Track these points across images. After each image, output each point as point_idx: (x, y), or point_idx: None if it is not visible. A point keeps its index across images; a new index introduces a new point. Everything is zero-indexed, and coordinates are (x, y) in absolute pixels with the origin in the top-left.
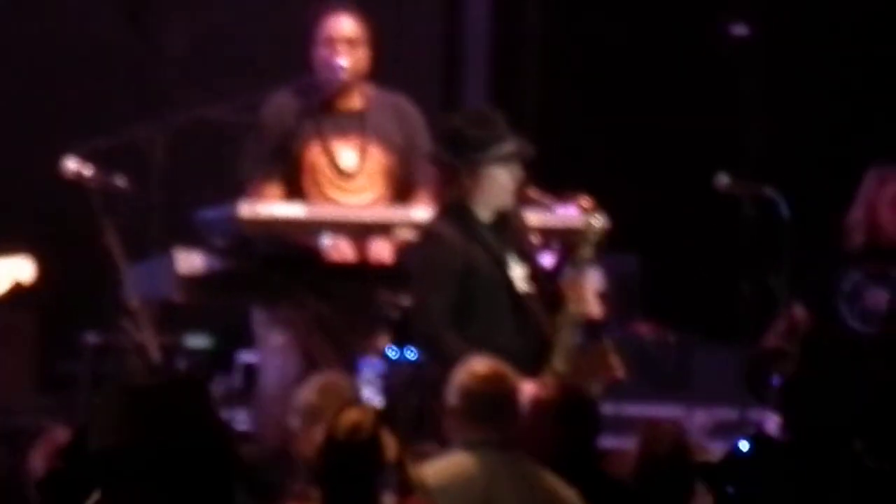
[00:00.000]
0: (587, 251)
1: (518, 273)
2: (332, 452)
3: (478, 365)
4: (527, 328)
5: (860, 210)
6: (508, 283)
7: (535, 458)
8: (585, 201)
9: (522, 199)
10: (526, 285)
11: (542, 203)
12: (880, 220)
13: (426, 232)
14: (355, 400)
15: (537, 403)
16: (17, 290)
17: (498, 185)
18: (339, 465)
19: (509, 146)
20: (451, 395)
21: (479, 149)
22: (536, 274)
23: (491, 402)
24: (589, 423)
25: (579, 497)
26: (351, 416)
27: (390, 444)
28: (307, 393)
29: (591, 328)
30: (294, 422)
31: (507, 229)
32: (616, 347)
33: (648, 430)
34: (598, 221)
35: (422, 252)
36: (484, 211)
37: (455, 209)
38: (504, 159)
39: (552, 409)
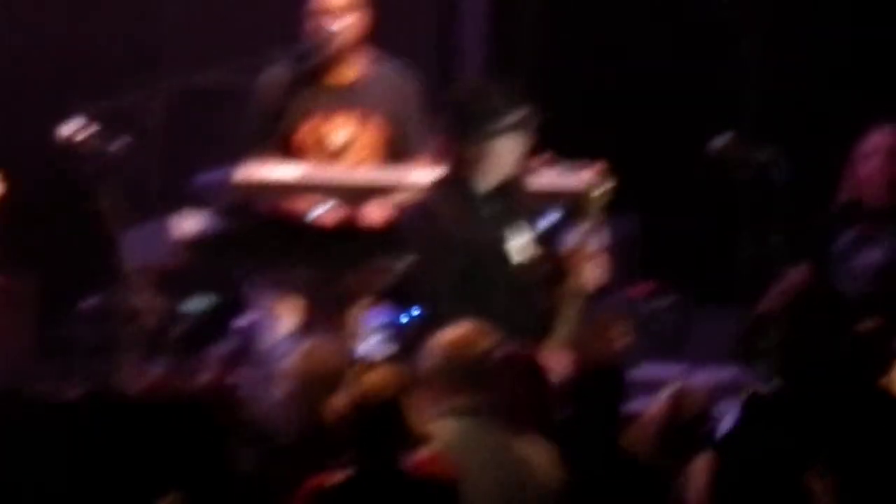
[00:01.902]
0: (593, 218)
1: (517, 244)
2: (356, 415)
3: (452, 330)
4: (525, 301)
5: (848, 169)
6: (505, 256)
7: (548, 430)
8: (596, 168)
9: (532, 165)
10: (524, 257)
11: (550, 168)
12: (860, 179)
13: (423, 203)
14: (349, 363)
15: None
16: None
17: (501, 157)
18: (363, 426)
19: (512, 117)
20: (426, 360)
21: (481, 121)
22: (537, 244)
23: (464, 367)
24: (613, 394)
25: (553, 462)
26: (375, 378)
27: (411, 404)
28: (293, 359)
29: (595, 292)
30: (279, 387)
31: (509, 198)
32: (620, 314)
33: (677, 396)
34: (606, 188)
35: (420, 223)
36: (485, 182)
37: (453, 181)
38: (507, 131)
39: (573, 384)
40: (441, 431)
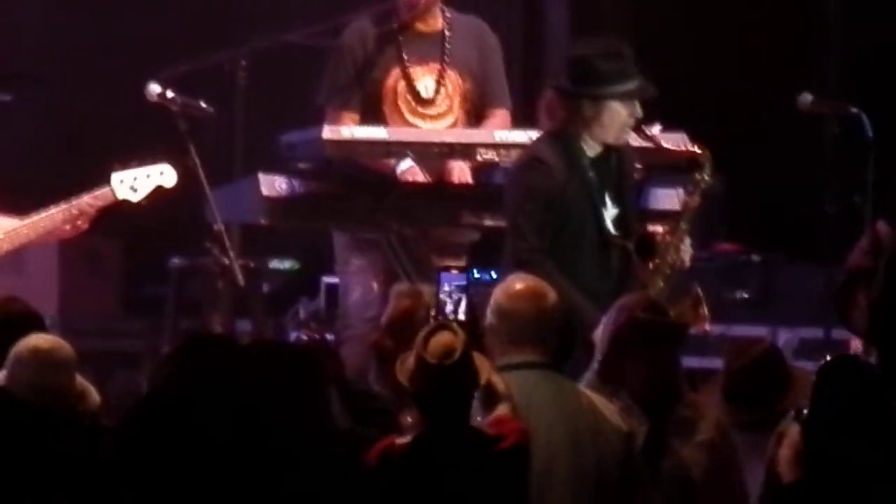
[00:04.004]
0: (694, 202)
1: (611, 213)
2: (425, 376)
3: (515, 283)
4: (610, 270)
5: None
6: (599, 222)
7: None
8: (700, 153)
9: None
10: (616, 227)
11: (652, 140)
12: None
13: (529, 154)
14: (438, 313)
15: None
16: (159, 194)
17: (617, 120)
18: (432, 387)
19: (634, 83)
20: (489, 315)
21: (606, 82)
22: (632, 217)
23: (527, 321)
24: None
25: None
26: (442, 339)
27: (482, 364)
28: (395, 302)
29: (683, 271)
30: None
31: (611, 166)
32: (702, 297)
33: (733, 346)
34: (709, 174)
35: (522, 174)
36: (592, 144)
37: (562, 137)
38: (628, 95)
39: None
40: (510, 384)
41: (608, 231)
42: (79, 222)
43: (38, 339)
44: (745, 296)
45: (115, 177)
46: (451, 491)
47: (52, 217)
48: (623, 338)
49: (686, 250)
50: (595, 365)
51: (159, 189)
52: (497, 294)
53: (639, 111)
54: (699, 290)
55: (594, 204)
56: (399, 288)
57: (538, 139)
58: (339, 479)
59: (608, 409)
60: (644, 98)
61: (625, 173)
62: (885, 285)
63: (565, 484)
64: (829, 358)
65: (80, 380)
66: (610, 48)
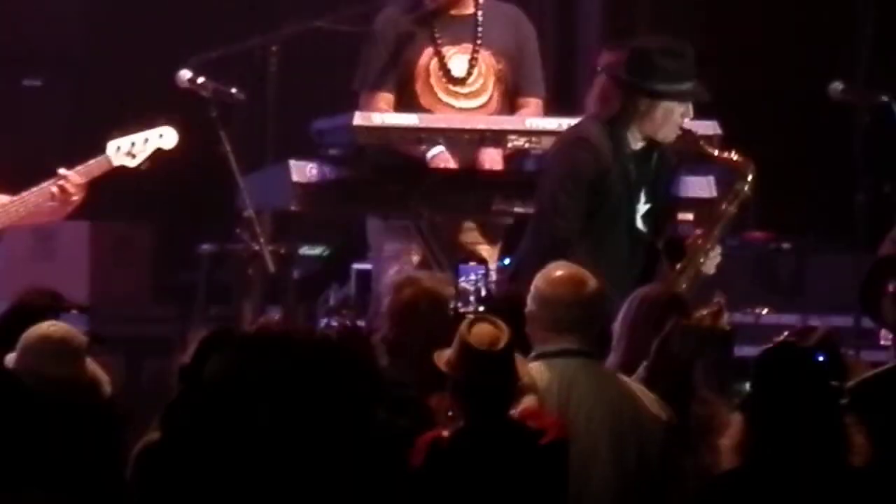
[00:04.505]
0: (731, 211)
1: (642, 209)
2: (471, 364)
3: (557, 271)
4: (635, 264)
5: None
6: (631, 215)
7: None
8: (743, 162)
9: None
10: (645, 223)
11: (695, 143)
12: None
13: (577, 134)
14: (459, 303)
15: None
16: (160, 157)
17: (669, 117)
18: (479, 375)
19: (690, 84)
20: (530, 302)
21: (665, 79)
22: (663, 215)
23: (568, 308)
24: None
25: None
26: (486, 328)
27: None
28: (394, 294)
29: (709, 276)
30: (390, 321)
31: (651, 162)
32: (724, 306)
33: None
34: (749, 185)
35: (569, 152)
36: (637, 138)
37: (610, 124)
38: (684, 96)
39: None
40: (549, 371)
41: (637, 226)
42: (72, 195)
43: (47, 328)
44: (766, 312)
45: (112, 144)
46: (495, 485)
47: (41, 191)
48: (673, 347)
49: (715, 257)
50: (614, 355)
51: (159, 152)
52: (538, 281)
53: (691, 112)
54: (722, 299)
55: (629, 196)
56: (395, 279)
57: (587, 121)
58: (387, 474)
59: (647, 397)
60: (699, 101)
61: (662, 171)
62: None
63: (606, 469)
64: (770, 345)
65: (92, 368)
66: (672, 46)
